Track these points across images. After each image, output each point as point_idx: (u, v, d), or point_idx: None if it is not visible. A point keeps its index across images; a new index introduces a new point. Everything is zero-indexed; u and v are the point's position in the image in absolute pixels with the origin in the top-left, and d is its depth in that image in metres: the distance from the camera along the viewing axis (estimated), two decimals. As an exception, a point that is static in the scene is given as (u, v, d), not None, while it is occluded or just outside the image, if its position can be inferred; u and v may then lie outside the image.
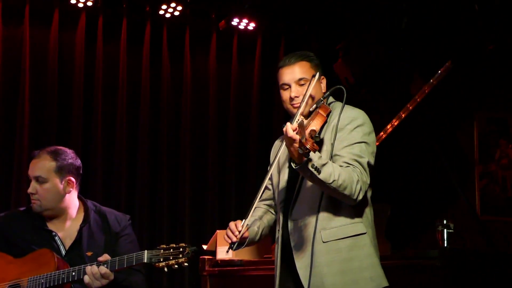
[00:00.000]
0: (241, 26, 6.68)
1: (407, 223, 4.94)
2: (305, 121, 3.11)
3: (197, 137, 6.58)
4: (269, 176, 3.30)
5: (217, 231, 5.14)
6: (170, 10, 6.41)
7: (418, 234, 4.92)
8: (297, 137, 2.86)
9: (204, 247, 5.21)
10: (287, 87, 3.30)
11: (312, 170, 2.96)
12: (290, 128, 2.90)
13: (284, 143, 3.05)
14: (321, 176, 2.98)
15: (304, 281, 3.18)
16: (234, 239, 3.19)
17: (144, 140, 6.33)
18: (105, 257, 3.53)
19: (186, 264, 3.40)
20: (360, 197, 3.11)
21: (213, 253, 5.10)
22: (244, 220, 3.22)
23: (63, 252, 3.71)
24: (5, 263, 3.67)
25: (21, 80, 5.93)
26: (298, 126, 2.93)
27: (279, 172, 3.39)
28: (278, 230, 3.33)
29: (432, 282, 3.99)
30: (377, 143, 4.97)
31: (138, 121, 6.35)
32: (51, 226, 3.76)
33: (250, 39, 6.80)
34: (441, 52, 5.58)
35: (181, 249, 3.41)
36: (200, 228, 6.41)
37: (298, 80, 3.29)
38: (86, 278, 3.48)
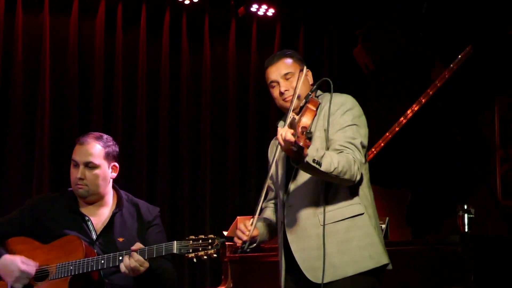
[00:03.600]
0: (260, 12, 6.67)
1: (428, 209, 4.94)
2: (297, 118, 3.17)
3: (217, 124, 6.59)
4: (269, 176, 3.39)
5: (238, 217, 5.16)
6: (189, -3, 6.43)
7: (439, 220, 4.91)
8: (293, 139, 2.92)
9: (225, 233, 5.24)
10: (276, 84, 3.43)
11: (314, 164, 3.02)
12: (286, 132, 2.96)
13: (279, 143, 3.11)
14: (322, 168, 3.05)
15: (301, 263, 3.25)
16: (245, 238, 3.28)
17: (164, 128, 6.36)
18: (138, 245, 3.58)
19: (215, 255, 3.47)
20: (359, 177, 3.19)
21: (233, 239, 5.11)
22: (252, 219, 3.30)
23: (94, 237, 3.75)
24: (31, 249, 3.70)
25: (41, 68, 5.97)
26: (289, 125, 3.02)
27: (277, 168, 3.47)
28: (281, 222, 3.38)
29: (453, 268, 3.99)
30: (398, 129, 5.01)
31: (158, 109, 6.37)
32: (84, 211, 3.80)
33: (269, 26, 6.79)
34: (461, 37, 5.54)
35: (210, 241, 3.47)
36: (220, 214, 6.43)
37: (285, 75, 3.41)
38: (123, 268, 3.52)
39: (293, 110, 3.31)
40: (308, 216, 3.26)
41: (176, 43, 6.47)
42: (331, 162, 3.06)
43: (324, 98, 3.37)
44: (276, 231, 3.52)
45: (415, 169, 5.10)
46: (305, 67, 3.40)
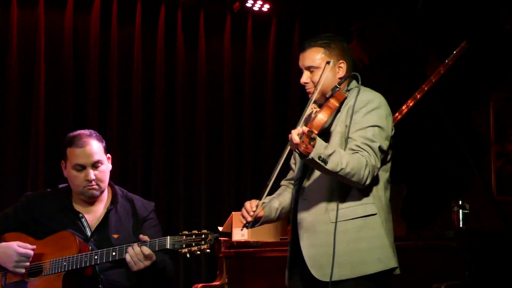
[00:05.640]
0: (256, 8, 6.67)
1: (423, 204, 4.94)
2: (314, 113, 3.16)
3: (213, 120, 6.59)
4: (285, 155, 3.30)
5: (233, 212, 5.16)
6: (184, -8, 6.42)
7: (434, 215, 4.91)
8: (298, 141, 2.96)
9: (220, 228, 5.24)
10: (302, 71, 3.37)
11: (319, 161, 3.00)
12: (294, 134, 3.00)
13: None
14: (328, 167, 3.03)
15: (308, 259, 3.22)
16: (249, 219, 3.26)
17: (160, 124, 6.35)
18: (145, 238, 3.58)
19: (208, 250, 3.48)
20: (368, 181, 3.13)
21: (228, 234, 5.12)
22: (259, 199, 3.28)
23: (89, 234, 3.75)
24: None
25: (36, 63, 5.95)
26: (306, 119, 3.09)
27: (296, 159, 3.46)
28: (291, 211, 3.38)
29: (448, 263, 3.99)
30: (393, 124, 4.99)
31: (153, 105, 6.36)
32: (78, 208, 3.81)
33: (264, 21, 6.78)
34: (457, 32, 5.54)
35: (203, 236, 3.47)
36: (216, 209, 6.43)
37: (307, 68, 3.34)
38: (128, 258, 3.53)
39: (315, 102, 3.27)
40: (320, 212, 3.22)
41: (171, 38, 6.46)
42: (338, 162, 3.03)
43: (352, 93, 3.30)
44: (285, 212, 3.49)
45: (410, 165, 5.10)
46: (333, 60, 3.30)
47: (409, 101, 4.99)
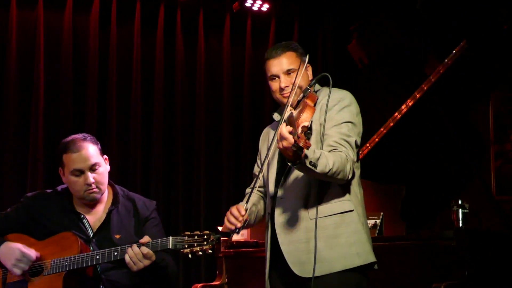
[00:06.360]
0: (255, 8, 6.67)
1: (422, 204, 4.94)
2: (295, 113, 3.14)
3: (212, 119, 6.59)
4: (262, 165, 3.39)
5: (233, 212, 5.15)
6: (184, -8, 6.42)
7: (433, 215, 4.92)
8: (292, 139, 2.89)
9: (220, 228, 5.23)
10: (275, 77, 3.39)
11: (310, 166, 3.02)
12: (285, 130, 2.93)
13: (275, 135, 3.12)
14: (318, 170, 3.04)
15: (288, 256, 3.25)
16: (239, 225, 3.26)
17: (159, 124, 6.35)
18: (146, 238, 3.58)
19: (210, 251, 3.49)
20: (351, 175, 3.20)
21: (228, 234, 5.11)
22: (245, 204, 3.31)
23: (91, 234, 3.75)
24: (27, 245, 3.70)
25: (35, 63, 5.94)
26: (287, 120, 3.01)
27: (268, 163, 3.44)
28: (268, 213, 3.41)
29: (447, 263, 3.99)
30: (392, 124, 5.00)
31: (152, 105, 6.36)
32: (79, 209, 3.80)
33: (263, 21, 6.78)
34: (456, 31, 5.55)
35: (205, 236, 3.48)
36: (215, 209, 6.43)
37: (287, 71, 3.37)
38: (127, 259, 3.53)
39: (290, 105, 3.29)
40: (298, 209, 3.26)
41: (170, 38, 6.46)
42: (326, 164, 3.06)
43: (322, 93, 3.37)
44: (259, 217, 3.54)
45: (409, 165, 5.11)
46: (306, 61, 3.38)
47: (408, 101, 4.99)
